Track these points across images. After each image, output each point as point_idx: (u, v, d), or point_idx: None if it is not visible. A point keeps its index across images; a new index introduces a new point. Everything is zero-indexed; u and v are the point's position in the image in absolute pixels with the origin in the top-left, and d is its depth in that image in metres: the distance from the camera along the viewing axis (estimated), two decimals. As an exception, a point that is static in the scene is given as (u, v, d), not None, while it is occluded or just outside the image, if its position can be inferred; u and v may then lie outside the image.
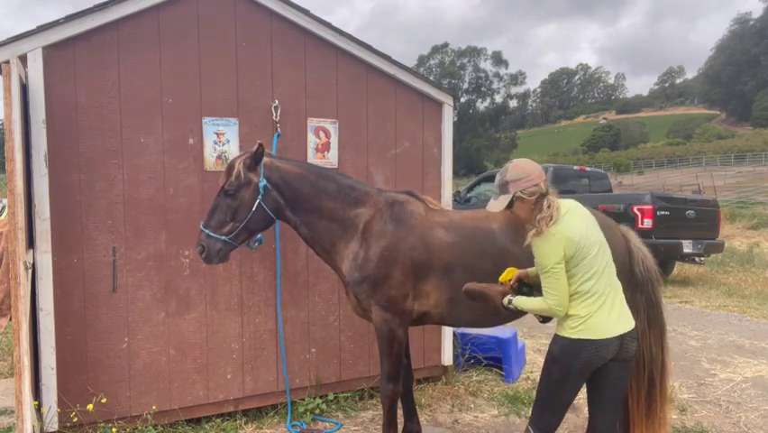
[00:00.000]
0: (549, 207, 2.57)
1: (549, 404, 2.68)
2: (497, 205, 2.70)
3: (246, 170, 3.33)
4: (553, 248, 2.53)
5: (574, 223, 2.59)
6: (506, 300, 2.79)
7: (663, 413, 3.22)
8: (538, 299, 2.66)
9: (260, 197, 3.35)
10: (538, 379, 2.79)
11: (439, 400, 4.69)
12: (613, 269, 2.71)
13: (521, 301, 2.73)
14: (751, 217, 24.19)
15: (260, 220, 3.42)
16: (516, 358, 5.34)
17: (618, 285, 2.72)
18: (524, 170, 2.65)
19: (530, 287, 2.80)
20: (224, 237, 3.33)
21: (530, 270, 2.82)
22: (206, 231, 3.33)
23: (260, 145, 3.31)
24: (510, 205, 2.66)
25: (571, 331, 2.57)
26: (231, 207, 3.34)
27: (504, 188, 2.67)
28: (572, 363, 2.57)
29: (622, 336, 2.61)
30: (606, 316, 2.58)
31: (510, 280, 2.85)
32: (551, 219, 2.55)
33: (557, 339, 2.64)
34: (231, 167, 3.37)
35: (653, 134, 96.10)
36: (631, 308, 3.23)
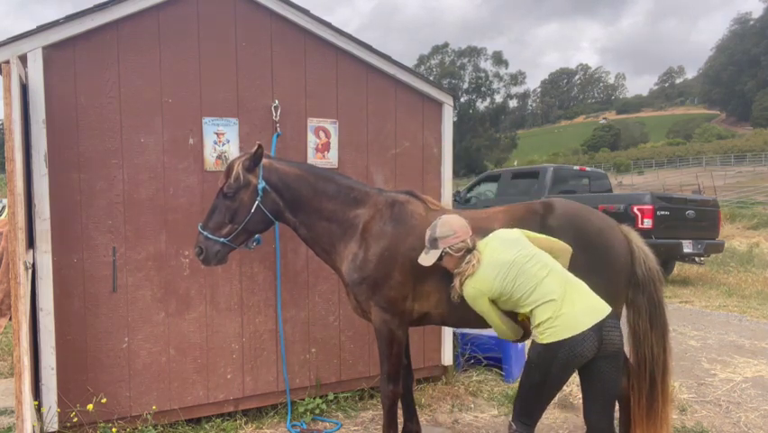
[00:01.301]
0: (468, 262, 2.80)
1: (531, 403, 2.76)
2: (427, 259, 2.93)
3: (245, 171, 3.31)
4: (474, 300, 2.82)
5: (488, 272, 2.75)
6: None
7: (665, 413, 3.22)
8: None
9: (258, 198, 3.34)
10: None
11: (439, 400, 4.69)
12: (557, 266, 2.78)
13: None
14: (751, 217, 24.23)
15: (259, 222, 3.40)
16: (516, 358, 5.33)
17: (575, 279, 2.77)
18: (451, 227, 2.87)
19: None
20: (222, 239, 3.32)
21: None
22: (205, 233, 3.32)
23: (260, 146, 3.29)
24: (440, 258, 2.88)
25: (542, 337, 2.65)
26: (229, 209, 3.32)
27: (433, 243, 2.89)
28: (550, 366, 2.63)
29: (599, 327, 2.60)
30: (570, 312, 2.61)
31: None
32: (464, 276, 2.80)
33: (534, 346, 2.73)
34: (230, 168, 3.36)
35: (653, 134, 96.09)
36: (633, 308, 3.24)
